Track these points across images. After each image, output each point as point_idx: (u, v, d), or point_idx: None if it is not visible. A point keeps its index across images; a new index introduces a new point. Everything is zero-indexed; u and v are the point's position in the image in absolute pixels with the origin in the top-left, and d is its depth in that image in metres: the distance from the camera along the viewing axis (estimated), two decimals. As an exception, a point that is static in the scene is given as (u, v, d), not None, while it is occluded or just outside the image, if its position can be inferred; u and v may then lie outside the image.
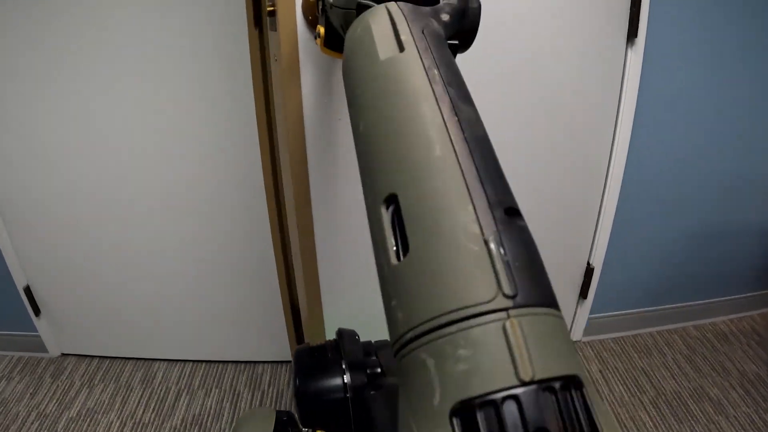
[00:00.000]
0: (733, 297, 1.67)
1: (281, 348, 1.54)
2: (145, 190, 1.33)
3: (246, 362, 1.59)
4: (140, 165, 1.30)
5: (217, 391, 1.50)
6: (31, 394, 1.50)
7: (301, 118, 0.88)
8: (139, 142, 1.27)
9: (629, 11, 1.22)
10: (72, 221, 1.39)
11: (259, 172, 1.28)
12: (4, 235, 1.43)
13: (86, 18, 1.13)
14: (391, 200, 0.26)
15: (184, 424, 1.40)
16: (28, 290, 1.51)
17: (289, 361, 1.59)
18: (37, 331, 1.58)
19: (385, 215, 0.26)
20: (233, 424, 1.37)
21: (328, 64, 0.84)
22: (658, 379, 1.50)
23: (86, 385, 1.53)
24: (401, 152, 0.26)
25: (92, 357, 1.64)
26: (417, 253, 0.23)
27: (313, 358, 0.38)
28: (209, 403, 1.46)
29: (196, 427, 1.39)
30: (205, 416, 1.42)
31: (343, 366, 0.37)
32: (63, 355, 1.65)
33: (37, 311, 1.55)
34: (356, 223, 1.03)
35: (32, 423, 1.40)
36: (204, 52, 1.17)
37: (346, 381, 0.36)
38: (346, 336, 0.41)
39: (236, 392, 1.50)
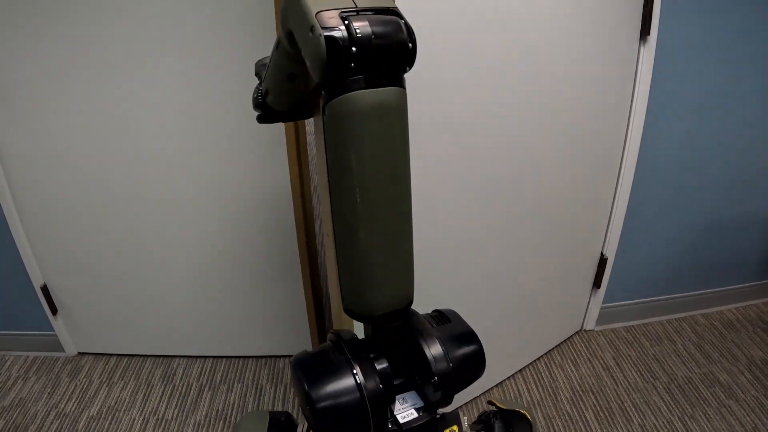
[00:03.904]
0: (739, 286, 1.73)
1: (303, 341, 1.55)
2: (164, 187, 1.34)
3: (267, 357, 1.60)
4: (158, 164, 1.31)
5: (239, 385, 1.51)
6: (48, 393, 1.49)
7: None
8: (159, 142, 1.28)
9: (642, 10, 1.28)
10: (89, 219, 1.39)
11: (284, 167, 1.29)
12: (21, 234, 1.42)
13: (114, 24, 1.14)
14: None
15: (208, 419, 1.40)
16: (45, 289, 1.51)
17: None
18: (53, 331, 1.57)
19: None
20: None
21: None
22: (670, 366, 1.54)
23: (105, 383, 1.52)
24: None
25: (110, 355, 1.63)
26: None
27: None
28: (232, 398, 1.47)
29: (221, 422, 1.39)
30: (229, 411, 1.42)
31: None
32: (80, 354, 1.64)
33: (54, 310, 1.54)
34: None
35: (52, 422, 1.39)
36: (236, 50, 1.18)
37: None
38: None
39: (259, 386, 1.50)
